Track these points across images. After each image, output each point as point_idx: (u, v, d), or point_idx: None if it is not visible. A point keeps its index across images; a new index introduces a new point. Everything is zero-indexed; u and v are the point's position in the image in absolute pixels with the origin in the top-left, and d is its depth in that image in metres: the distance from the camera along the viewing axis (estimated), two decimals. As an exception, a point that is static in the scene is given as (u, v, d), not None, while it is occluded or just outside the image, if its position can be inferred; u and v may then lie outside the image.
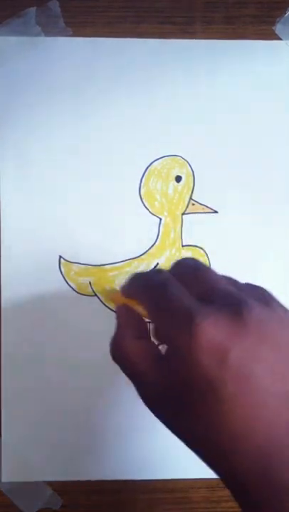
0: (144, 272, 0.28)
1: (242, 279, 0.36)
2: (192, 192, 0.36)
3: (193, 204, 0.36)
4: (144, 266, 0.36)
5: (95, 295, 0.35)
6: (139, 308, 0.27)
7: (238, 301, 0.23)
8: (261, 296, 0.25)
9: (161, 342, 0.26)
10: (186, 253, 0.36)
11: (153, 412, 0.25)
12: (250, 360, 0.22)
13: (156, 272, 0.27)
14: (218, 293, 0.24)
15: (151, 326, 0.28)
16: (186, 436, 0.24)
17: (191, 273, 0.26)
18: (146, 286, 0.26)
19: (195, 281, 0.26)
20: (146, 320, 0.27)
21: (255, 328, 0.22)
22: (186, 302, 0.24)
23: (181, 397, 0.23)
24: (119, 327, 0.27)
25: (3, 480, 0.35)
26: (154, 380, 0.25)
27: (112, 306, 0.35)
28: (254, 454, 0.22)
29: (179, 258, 0.36)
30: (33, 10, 0.35)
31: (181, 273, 0.26)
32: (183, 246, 0.36)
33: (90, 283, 0.35)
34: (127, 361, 0.26)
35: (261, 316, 0.23)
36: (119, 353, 0.26)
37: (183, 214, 0.36)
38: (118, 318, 0.28)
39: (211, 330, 0.22)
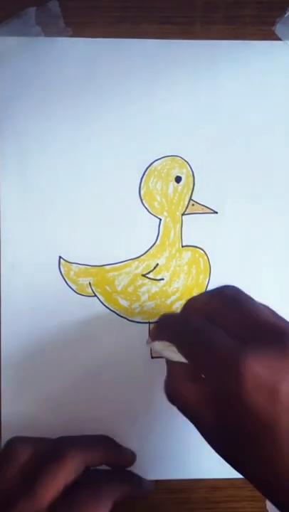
0: (175, 314, 0.29)
1: (242, 279, 0.36)
2: (192, 192, 0.36)
3: (193, 204, 0.36)
4: (144, 266, 0.36)
5: (95, 295, 0.35)
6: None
7: (280, 333, 0.23)
8: None
9: (209, 386, 0.26)
10: (186, 253, 0.36)
11: (219, 454, 0.25)
12: None
13: (187, 316, 0.28)
14: (261, 327, 0.24)
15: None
16: (248, 475, 0.24)
17: (232, 307, 0.26)
18: (183, 332, 0.27)
19: (236, 315, 0.26)
20: None
21: None
22: (227, 344, 0.24)
23: (237, 437, 0.23)
24: (170, 372, 0.27)
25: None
26: (209, 421, 0.25)
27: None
28: None
29: (178, 258, 0.36)
30: (32, 10, 0.35)
31: (221, 308, 0.26)
32: (183, 246, 0.36)
33: (89, 283, 0.35)
34: (182, 404, 0.26)
35: None
36: (174, 396, 0.26)
37: (183, 214, 0.36)
38: (167, 363, 0.28)
39: (257, 367, 0.22)
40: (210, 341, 0.25)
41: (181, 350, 0.27)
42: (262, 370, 0.22)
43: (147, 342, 0.31)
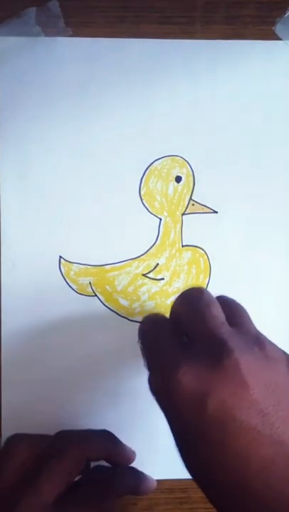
0: (146, 319, 0.29)
1: (242, 279, 0.36)
2: (192, 192, 0.36)
3: (193, 204, 0.36)
4: (145, 266, 0.36)
5: (95, 295, 0.35)
6: None
7: (218, 344, 0.23)
8: (249, 336, 0.25)
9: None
10: (186, 253, 0.36)
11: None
12: (232, 404, 0.22)
13: (150, 318, 0.29)
14: (202, 335, 0.24)
15: None
16: (192, 475, 0.25)
17: (189, 310, 0.26)
18: (143, 336, 0.28)
19: (190, 319, 0.26)
20: None
21: (236, 376, 0.22)
22: (169, 351, 0.24)
23: (178, 439, 0.24)
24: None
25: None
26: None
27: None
28: (251, 499, 0.22)
29: (178, 258, 0.36)
30: (32, 10, 0.35)
31: (182, 309, 0.27)
32: (183, 246, 0.36)
33: (90, 283, 0.35)
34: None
35: (244, 362, 0.23)
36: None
37: (183, 214, 0.36)
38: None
39: (187, 379, 0.22)
40: (156, 347, 0.26)
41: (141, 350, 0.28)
42: (191, 382, 0.22)
43: None
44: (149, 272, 0.36)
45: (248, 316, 0.28)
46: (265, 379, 0.23)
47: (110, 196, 0.36)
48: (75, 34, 0.36)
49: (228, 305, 0.27)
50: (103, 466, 0.31)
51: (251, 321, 0.27)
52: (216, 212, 0.36)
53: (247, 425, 0.22)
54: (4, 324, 0.35)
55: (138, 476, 0.32)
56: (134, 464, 0.33)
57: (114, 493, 0.29)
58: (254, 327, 0.27)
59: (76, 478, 0.29)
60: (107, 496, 0.29)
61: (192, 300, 0.27)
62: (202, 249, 0.36)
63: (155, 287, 0.36)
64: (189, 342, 0.25)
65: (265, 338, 0.25)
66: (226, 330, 0.25)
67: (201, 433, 0.22)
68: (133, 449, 0.33)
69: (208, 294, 0.27)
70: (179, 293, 0.28)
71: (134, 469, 0.32)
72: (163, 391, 0.24)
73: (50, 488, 0.27)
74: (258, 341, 0.24)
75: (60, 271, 0.35)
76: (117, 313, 0.35)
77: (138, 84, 0.36)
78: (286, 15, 0.36)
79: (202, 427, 0.22)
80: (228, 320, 0.26)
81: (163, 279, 0.36)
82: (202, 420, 0.22)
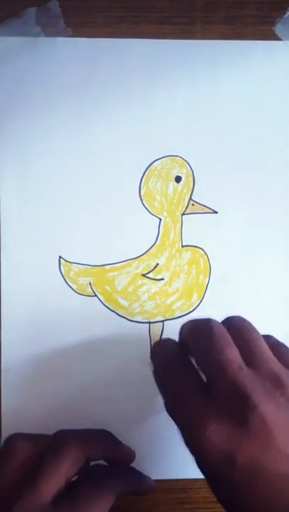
0: (166, 343, 0.30)
1: (242, 279, 0.36)
2: (192, 192, 0.36)
3: (193, 204, 0.36)
4: (144, 266, 0.36)
5: (95, 295, 0.35)
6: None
7: (241, 398, 0.24)
8: (268, 377, 0.25)
9: None
10: (186, 253, 0.36)
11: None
12: (260, 456, 0.23)
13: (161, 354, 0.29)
14: (222, 383, 0.25)
15: None
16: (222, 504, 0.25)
17: (204, 353, 0.26)
18: (157, 371, 0.28)
19: (208, 364, 0.26)
20: None
21: (261, 426, 0.23)
22: (192, 403, 0.25)
23: (208, 479, 0.25)
24: None
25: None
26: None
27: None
28: None
29: (178, 258, 0.36)
30: (32, 10, 0.35)
31: (194, 348, 0.27)
32: (183, 246, 0.36)
33: (90, 283, 0.35)
34: None
35: (266, 412, 0.23)
36: None
37: (183, 214, 0.36)
38: None
39: (215, 438, 0.23)
40: (177, 395, 0.26)
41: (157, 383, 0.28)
42: (219, 442, 0.23)
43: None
44: (148, 272, 0.36)
45: (262, 342, 0.27)
46: None
47: (110, 196, 0.36)
48: (75, 34, 0.36)
49: (240, 333, 0.27)
50: (102, 466, 0.31)
51: (266, 349, 0.27)
52: (216, 212, 0.36)
53: (276, 473, 0.23)
54: (4, 324, 0.35)
55: (137, 475, 0.32)
56: (134, 464, 0.33)
57: (113, 493, 0.29)
58: (271, 359, 0.26)
59: (75, 478, 0.29)
60: (106, 495, 0.29)
61: (203, 339, 0.27)
62: (202, 250, 0.36)
63: (155, 287, 0.36)
64: (209, 387, 0.25)
65: (284, 375, 0.25)
66: (245, 376, 0.25)
67: (231, 481, 0.23)
68: (133, 449, 0.33)
69: (219, 329, 0.27)
70: (185, 321, 0.28)
71: (132, 469, 0.32)
72: (191, 443, 0.25)
73: (48, 488, 0.27)
74: (279, 384, 0.25)
75: (60, 271, 0.35)
76: (116, 313, 0.35)
77: (138, 84, 0.36)
78: (286, 15, 0.36)
79: (232, 476, 0.23)
80: (243, 356, 0.26)
81: (163, 279, 0.36)
82: (232, 471, 0.23)
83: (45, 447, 0.29)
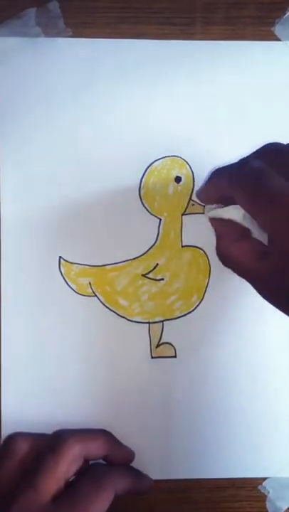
0: (227, 165, 0.28)
1: (241, 279, 0.36)
2: (192, 192, 0.36)
3: (193, 204, 0.36)
4: (144, 266, 0.36)
5: (95, 295, 0.35)
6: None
7: None
8: None
9: (264, 233, 0.26)
10: (186, 253, 0.36)
11: (269, 302, 0.26)
12: None
13: (243, 162, 0.27)
14: None
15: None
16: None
17: (279, 157, 0.26)
18: (239, 177, 0.26)
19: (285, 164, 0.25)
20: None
21: None
22: (285, 186, 0.24)
23: None
24: (220, 236, 0.28)
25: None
26: (262, 275, 0.25)
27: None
28: None
29: (178, 258, 0.36)
30: (32, 10, 0.35)
31: (270, 159, 0.26)
32: (183, 246, 0.36)
33: (89, 283, 0.35)
34: (234, 263, 0.26)
35: None
36: (225, 257, 0.27)
37: (183, 214, 0.36)
38: (215, 229, 0.29)
39: None
40: (270, 184, 0.25)
41: (239, 196, 0.26)
42: None
43: (197, 194, 0.32)
44: (148, 273, 0.36)
45: None
46: None
47: (110, 196, 0.36)
48: (75, 35, 0.36)
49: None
50: (101, 464, 0.31)
51: None
52: (216, 212, 0.36)
53: None
54: (4, 324, 0.35)
55: (135, 474, 0.32)
56: (134, 464, 0.33)
57: (112, 490, 0.29)
58: None
59: (73, 477, 0.30)
60: (105, 493, 0.29)
61: (279, 149, 0.27)
62: (202, 250, 0.36)
63: (155, 288, 0.36)
64: None
65: None
66: None
67: None
68: (133, 449, 0.33)
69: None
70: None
71: (131, 468, 0.32)
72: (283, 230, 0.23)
73: (48, 486, 0.28)
74: None
75: (60, 271, 0.35)
76: (116, 313, 0.35)
77: (138, 84, 0.36)
78: (286, 15, 0.36)
79: None
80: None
81: (163, 279, 0.36)
82: None
83: (44, 446, 0.29)
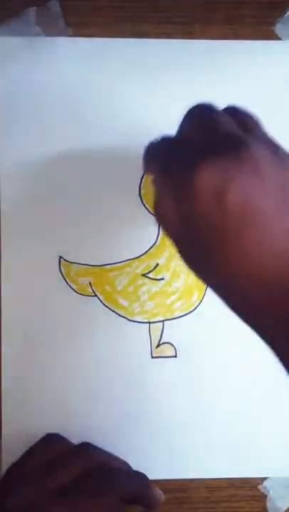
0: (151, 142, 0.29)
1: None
2: (192, 192, 0.36)
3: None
4: (144, 266, 0.36)
5: (95, 295, 0.35)
6: None
7: (236, 142, 0.24)
8: (263, 140, 0.25)
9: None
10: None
11: (181, 256, 0.26)
12: (249, 197, 0.22)
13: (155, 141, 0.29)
14: (219, 138, 0.24)
15: None
16: (204, 274, 0.25)
17: (200, 121, 0.26)
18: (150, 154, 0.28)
19: (203, 128, 0.26)
20: None
21: (254, 166, 0.23)
22: (186, 152, 0.24)
23: (198, 239, 0.24)
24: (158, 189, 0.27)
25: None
26: (178, 227, 0.25)
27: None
28: (266, 288, 0.22)
29: (178, 258, 0.36)
30: (32, 10, 0.35)
31: (191, 124, 0.27)
32: (183, 246, 0.36)
33: (89, 283, 0.35)
34: (163, 224, 0.27)
35: (260, 155, 0.23)
36: (159, 217, 0.27)
37: (183, 214, 0.36)
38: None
39: (208, 173, 0.23)
40: (175, 153, 0.26)
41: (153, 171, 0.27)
42: (212, 176, 0.23)
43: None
44: (149, 272, 0.36)
45: (262, 124, 0.27)
46: (280, 177, 0.23)
47: (110, 196, 0.36)
48: (75, 34, 0.36)
49: (240, 115, 0.27)
50: (107, 467, 0.31)
51: (265, 130, 0.27)
52: (216, 212, 0.36)
53: (264, 213, 0.22)
54: (4, 324, 0.35)
55: (146, 483, 0.32)
56: (134, 464, 0.33)
57: (119, 491, 0.29)
58: (268, 135, 0.27)
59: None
60: (111, 491, 0.29)
61: (202, 116, 0.27)
62: (202, 249, 0.36)
63: (155, 287, 0.36)
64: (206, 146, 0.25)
65: (279, 144, 0.25)
66: (240, 132, 0.25)
67: (220, 227, 0.23)
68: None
69: (216, 107, 0.27)
70: (186, 111, 0.28)
71: (143, 475, 0.32)
72: (180, 194, 0.24)
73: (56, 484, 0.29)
74: (272, 145, 0.25)
75: (60, 271, 0.35)
76: (116, 313, 0.35)
77: (138, 84, 0.36)
78: (286, 15, 0.36)
79: (222, 219, 0.23)
80: (241, 128, 0.26)
81: (163, 279, 0.36)
82: (222, 212, 0.22)
83: (81, 470, 0.30)
